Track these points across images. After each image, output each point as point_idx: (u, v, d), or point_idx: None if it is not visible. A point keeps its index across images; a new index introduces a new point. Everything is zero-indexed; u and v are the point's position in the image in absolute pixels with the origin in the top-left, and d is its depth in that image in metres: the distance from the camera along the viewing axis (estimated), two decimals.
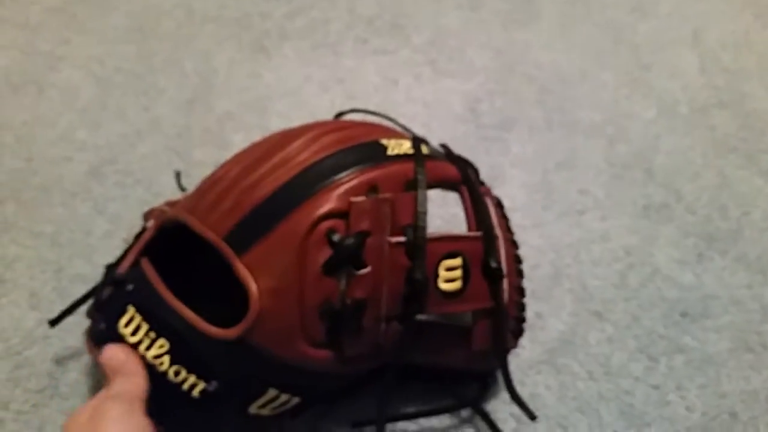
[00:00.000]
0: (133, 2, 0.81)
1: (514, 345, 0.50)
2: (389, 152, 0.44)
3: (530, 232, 0.62)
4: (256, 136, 0.49)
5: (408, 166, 0.44)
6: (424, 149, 0.47)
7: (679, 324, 0.57)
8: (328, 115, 0.62)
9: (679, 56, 0.79)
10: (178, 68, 0.74)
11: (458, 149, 0.66)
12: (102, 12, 0.80)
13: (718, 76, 0.77)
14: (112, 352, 0.42)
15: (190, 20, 0.79)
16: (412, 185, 0.43)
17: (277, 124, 0.68)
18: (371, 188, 0.42)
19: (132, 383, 0.41)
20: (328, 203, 0.41)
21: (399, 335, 0.43)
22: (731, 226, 0.64)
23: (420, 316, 0.43)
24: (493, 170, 0.67)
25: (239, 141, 0.66)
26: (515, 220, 0.62)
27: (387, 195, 0.42)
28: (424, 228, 0.42)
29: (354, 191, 0.42)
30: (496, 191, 0.64)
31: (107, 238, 0.60)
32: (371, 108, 0.62)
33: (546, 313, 0.57)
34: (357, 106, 0.66)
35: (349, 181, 0.42)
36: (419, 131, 0.62)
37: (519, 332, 0.49)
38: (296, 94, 0.72)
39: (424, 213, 0.42)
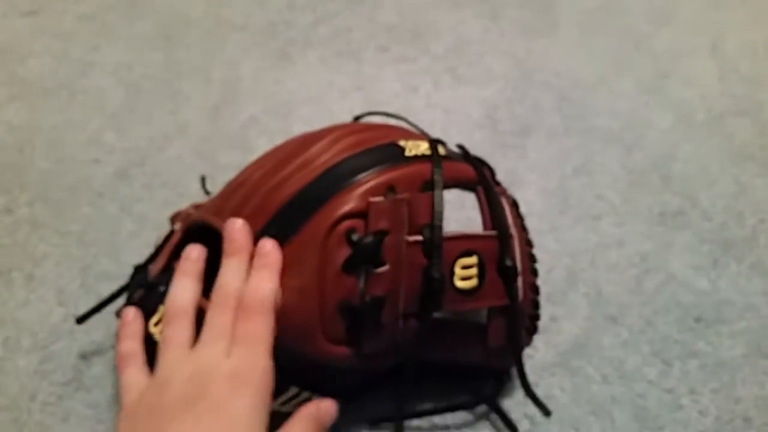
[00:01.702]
0: (162, 11, 0.83)
1: (529, 342, 0.51)
2: (407, 153, 0.46)
3: (546, 237, 0.63)
4: (280, 141, 0.51)
5: (425, 167, 0.45)
6: (441, 150, 0.48)
7: (693, 329, 0.58)
8: (347, 121, 0.64)
9: (698, 64, 0.80)
10: (205, 75, 0.76)
11: (476, 154, 0.67)
12: (131, 20, 0.82)
13: (736, 84, 0.78)
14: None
15: (217, 29, 0.81)
16: (429, 185, 0.45)
17: (300, 129, 0.68)
18: (389, 188, 0.43)
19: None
20: (348, 204, 0.42)
21: (416, 332, 0.44)
22: (747, 234, 0.64)
23: (437, 314, 0.44)
24: (510, 175, 0.68)
25: (263, 145, 0.66)
26: (532, 225, 0.63)
27: (404, 195, 0.43)
28: (440, 227, 0.43)
29: (373, 192, 0.43)
30: (514, 196, 0.65)
31: (133, 237, 0.62)
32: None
33: (561, 316, 0.58)
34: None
35: (367, 181, 0.43)
36: (438, 136, 0.63)
37: (533, 330, 0.50)
38: (318, 100, 0.74)
39: (441, 212, 0.43)
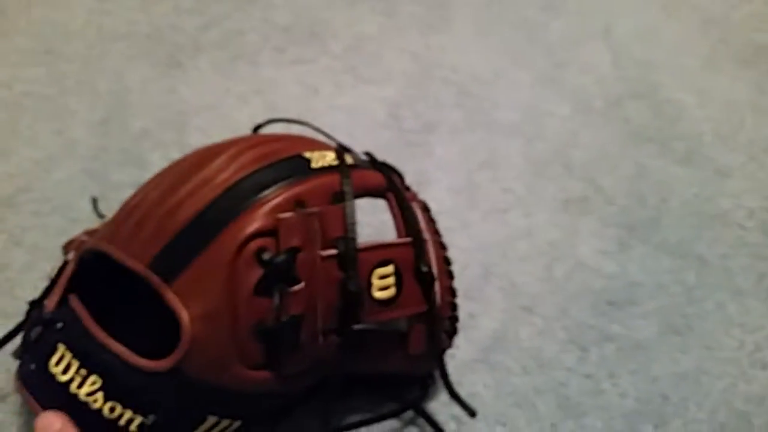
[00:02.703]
0: (39, 23, 0.78)
1: (450, 345, 0.50)
2: (313, 165, 0.44)
3: (458, 234, 0.63)
4: (175, 154, 0.48)
5: (334, 178, 0.44)
6: (349, 159, 0.47)
7: (606, 313, 0.59)
8: (248, 128, 0.61)
9: (592, 51, 0.82)
10: (90, 88, 0.72)
11: (383, 155, 0.66)
12: (5, 34, 0.77)
13: (630, 68, 0.80)
14: (47, 422, 0.40)
15: (99, 39, 0.77)
16: (339, 197, 0.43)
17: (197, 140, 0.66)
18: (298, 203, 0.42)
19: None
20: (255, 222, 0.40)
21: (337, 347, 0.43)
22: (650, 214, 0.66)
23: (357, 326, 0.43)
24: (418, 175, 0.67)
25: (157, 159, 0.64)
26: (443, 223, 0.62)
27: (315, 209, 0.41)
28: (354, 239, 0.42)
29: (281, 208, 0.41)
30: (423, 195, 0.64)
31: (27, 270, 0.57)
32: (293, 118, 0.61)
33: (478, 312, 0.58)
34: (277, 116, 0.66)
35: (274, 197, 0.41)
36: (343, 139, 0.61)
37: (453, 332, 0.50)
38: (215, 108, 0.71)
39: (354, 224, 0.42)
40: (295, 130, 0.58)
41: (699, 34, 0.85)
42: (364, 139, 0.69)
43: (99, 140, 0.67)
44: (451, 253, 0.51)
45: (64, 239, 0.50)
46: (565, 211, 0.66)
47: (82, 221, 0.58)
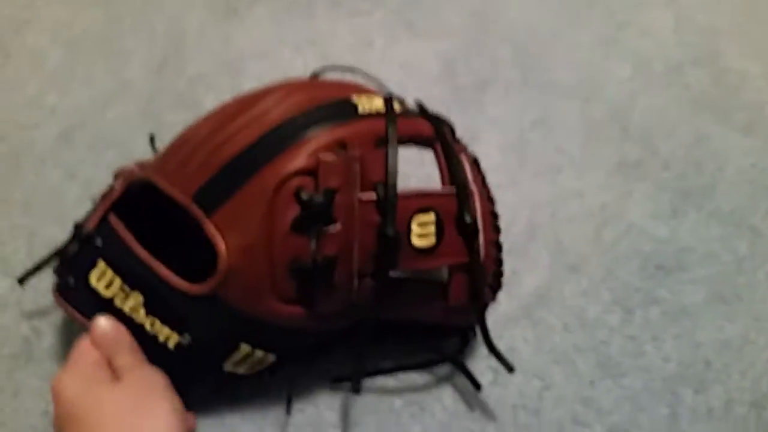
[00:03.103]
0: None
1: (492, 299, 0.50)
2: (360, 110, 0.44)
3: (506, 191, 0.62)
4: (229, 99, 0.48)
5: (379, 124, 0.44)
6: (397, 107, 0.46)
7: (654, 276, 0.58)
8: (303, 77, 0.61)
9: (654, 15, 0.79)
10: (148, 31, 0.72)
11: (434, 109, 0.66)
12: None
13: (692, 34, 0.77)
14: (105, 324, 0.42)
15: None
16: (383, 142, 0.43)
17: (251, 86, 0.65)
18: (341, 146, 0.42)
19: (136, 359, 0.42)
20: (297, 161, 0.41)
21: (372, 292, 0.43)
22: (706, 181, 0.64)
23: (393, 272, 0.43)
24: (469, 130, 0.66)
25: (211, 103, 0.62)
26: (491, 179, 0.61)
27: (357, 152, 0.41)
28: (394, 185, 0.42)
29: (323, 149, 0.41)
30: (472, 151, 0.64)
31: (80, 202, 0.59)
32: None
33: (522, 269, 0.57)
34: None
35: (318, 138, 0.41)
36: (395, 92, 0.61)
37: (497, 287, 0.50)
38: (269, 56, 0.71)
39: (395, 169, 0.42)
40: (349, 79, 0.58)
41: (766, 1, 0.81)
42: (417, 93, 0.68)
43: (154, 82, 0.68)
44: (498, 210, 0.50)
45: (115, 170, 0.52)
46: (619, 174, 0.64)
47: (137, 158, 0.59)
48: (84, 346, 0.42)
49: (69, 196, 0.60)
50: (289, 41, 0.72)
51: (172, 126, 0.63)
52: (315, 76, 0.59)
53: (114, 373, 0.41)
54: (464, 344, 0.52)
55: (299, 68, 0.69)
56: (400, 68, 0.72)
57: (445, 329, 0.52)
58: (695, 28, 0.78)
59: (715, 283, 0.58)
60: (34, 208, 0.59)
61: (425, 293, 0.46)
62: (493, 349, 0.48)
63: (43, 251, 0.56)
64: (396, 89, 0.67)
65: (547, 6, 0.78)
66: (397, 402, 0.51)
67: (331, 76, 0.60)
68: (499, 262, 0.49)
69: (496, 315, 0.55)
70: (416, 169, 0.60)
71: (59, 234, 0.57)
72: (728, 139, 0.68)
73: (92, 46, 0.71)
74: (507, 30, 0.76)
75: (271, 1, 0.77)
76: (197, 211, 0.41)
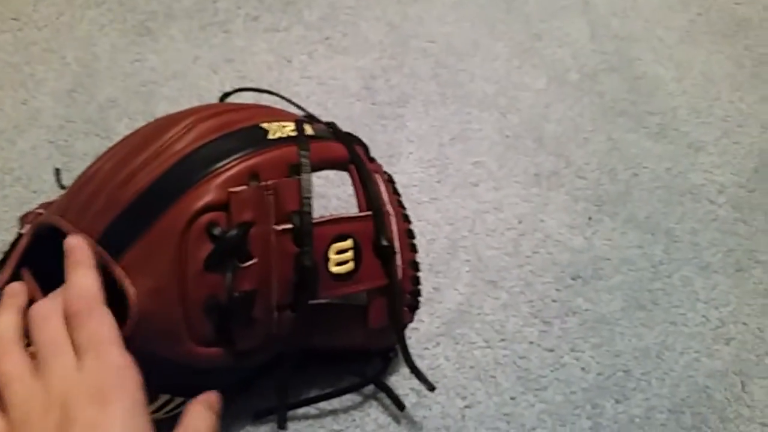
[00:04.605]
0: None
1: (411, 319, 0.50)
2: (270, 136, 0.43)
3: (427, 207, 0.63)
4: (142, 124, 0.47)
5: (291, 150, 0.43)
6: (309, 130, 0.46)
7: (571, 287, 0.59)
8: (217, 97, 0.61)
9: (570, 24, 0.81)
10: (58, 57, 0.70)
11: (355, 127, 0.66)
12: None
13: (607, 41, 0.79)
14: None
15: (70, 6, 0.75)
16: (296, 169, 0.43)
17: (165, 109, 0.66)
18: (252, 176, 0.41)
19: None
20: (206, 195, 0.40)
21: (293, 322, 0.43)
22: (620, 189, 0.66)
23: (312, 302, 0.42)
24: (390, 147, 0.67)
25: (124, 129, 0.64)
26: (412, 196, 0.63)
27: (269, 182, 0.41)
28: (309, 213, 0.41)
29: (234, 180, 0.40)
30: (393, 168, 0.65)
31: None
32: (265, 88, 0.61)
33: (443, 285, 0.58)
34: (248, 86, 0.65)
35: (228, 170, 0.41)
36: (314, 110, 0.61)
37: (415, 306, 0.50)
38: (184, 76, 0.70)
39: (309, 198, 0.42)
40: (265, 100, 0.58)
41: (679, 6, 0.84)
42: (337, 110, 0.69)
43: (65, 110, 0.66)
44: (419, 227, 0.51)
45: (20, 215, 0.50)
46: (536, 184, 0.66)
47: (44, 192, 0.58)
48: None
49: None
50: (204, 60, 0.71)
51: (83, 155, 0.62)
52: (224, 96, 0.58)
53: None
54: (386, 365, 0.52)
55: (215, 88, 0.68)
56: (320, 85, 0.71)
57: (367, 352, 0.52)
58: (610, 35, 0.80)
59: (632, 290, 0.60)
60: None
61: (345, 319, 0.46)
62: (414, 369, 0.48)
63: None
64: (315, 107, 0.67)
65: (464, 18, 0.79)
66: (322, 431, 0.51)
67: (246, 98, 0.59)
68: (417, 282, 0.49)
69: (418, 334, 0.55)
70: (336, 190, 0.61)
71: None
72: (642, 145, 0.70)
73: (0, 74, 0.69)
74: (425, 44, 0.77)
75: (186, 19, 0.75)
76: (103, 254, 0.40)
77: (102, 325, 0.36)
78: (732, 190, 0.67)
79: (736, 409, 0.54)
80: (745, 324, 0.59)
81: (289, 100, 0.58)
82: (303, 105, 0.58)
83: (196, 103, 0.56)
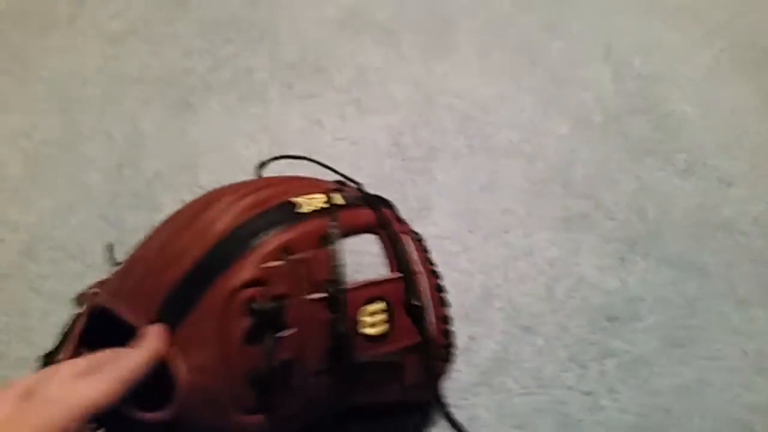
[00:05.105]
0: (55, 70, 0.82)
1: (446, 372, 0.52)
2: (301, 210, 0.46)
3: (459, 258, 0.64)
4: (187, 196, 0.50)
5: (321, 222, 0.46)
6: (338, 199, 0.48)
7: (606, 329, 0.60)
8: (255, 166, 0.64)
9: (592, 69, 0.83)
10: (105, 134, 0.75)
11: (386, 183, 0.69)
12: (24, 83, 0.81)
13: (630, 82, 0.81)
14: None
15: (113, 84, 0.81)
16: (327, 239, 0.45)
17: (207, 180, 0.69)
18: (286, 250, 0.43)
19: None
20: (243, 272, 0.42)
21: (331, 385, 0.44)
22: (651, 228, 0.67)
23: (349, 364, 0.44)
24: (420, 201, 0.69)
25: (170, 202, 0.67)
26: (444, 247, 0.64)
27: (301, 255, 0.43)
28: (341, 282, 0.43)
29: (268, 257, 0.43)
30: (425, 221, 0.67)
31: (45, 317, 0.61)
32: (299, 152, 0.64)
33: (479, 334, 0.59)
34: (284, 152, 0.68)
35: (263, 247, 0.43)
36: (347, 170, 0.64)
37: (449, 359, 0.51)
38: (224, 148, 0.74)
39: (341, 267, 0.44)
40: (300, 164, 0.61)
41: (702, 44, 0.85)
42: (368, 169, 0.72)
43: (113, 185, 0.70)
44: (453, 277, 0.52)
45: (82, 285, 0.53)
46: (566, 229, 0.67)
47: (98, 266, 0.61)
48: None
49: (34, 312, 0.61)
50: (242, 131, 0.75)
51: (133, 229, 0.66)
52: (261, 165, 0.61)
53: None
54: (424, 419, 0.53)
55: (254, 157, 0.72)
56: (351, 145, 0.74)
57: (405, 405, 0.53)
58: (633, 76, 0.81)
59: (668, 328, 0.60)
60: None
61: (382, 376, 0.48)
62: (452, 422, 0.49)
63: (12, 372, 0.57)
64: (348, 167, 0.70)
65: (489, 71, 0.82)
66: None
67: (282, 165, 0.62)
68: (449, 335, 0.51)
69: (456, 384, 0.56)
70: (372, 246, 0.63)
71: (26, 352, 0.58)
72: (671, 183, 0.71)
73: (52, 154, 0.74)
74: (451, 98, 0.79)
75: (225, 91, 0.80)
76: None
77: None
78: (764, 221, 0.67)
79: None
80: None
81: (322, 164, 0.60)
82: (336, 165, 0.61)
83: (236, 173, 0.59)
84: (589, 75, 0.82)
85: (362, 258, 0.47)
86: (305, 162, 0.61)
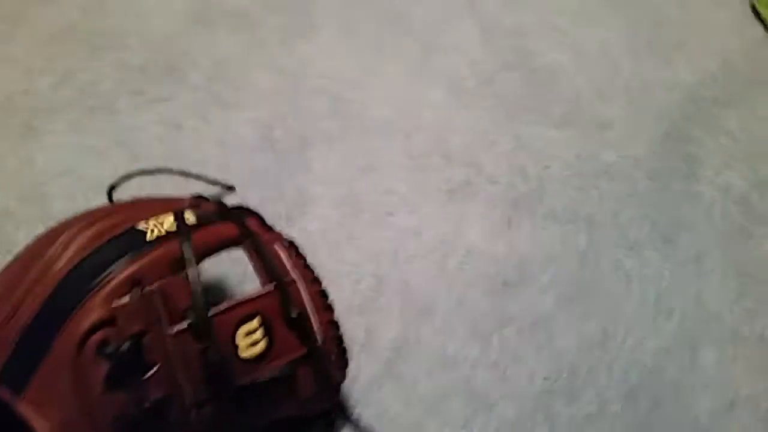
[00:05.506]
0: None
1: (343, 377, 0.49)
2: (149, 237, 0.42)
3: (345, 248, 0.62)
4: (41, 229, 0.45)
5: (173, 246, 0.42)
6: (191, 218, 0.45)
7: (502, 296, 0.59)
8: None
9: (460, 30, 0.80)
10: None
11: (259, 181, 0.65)
12: None
13: (501, 40, 0.79)
14: None
15: None
16: (181, 265, 0.41)
17: (61, 208, 0.64)
18: (135, 283, 0.40)
19: None
20: (91, 315, 0.39)
21: (218, 415, 0.41)
22: (532, 186, 0.66)
23: (230, 391, 0.41)
24: (299, 194, 0.66)
25: (23, 239, 0.60)
26: (330, 238, 0.61)
27: (154, 286, 0.40)
28: (201, 308, 0.40)
29: (116, 293, 0.39)
30: (305, 216, 0.63)
31: None
32: (159, 163, 0.59)
33: (376, 325, 0.57)
34: (142, 164, 0.63)
35: (108, 283, 0.39)
36: (215, 172, 0.60)
37: (344, 364, 0.49)
38: (74, 170, 0.67)
39: (199, 291, 0.40)
40: (165, 177, 0.56)
41: None
42: (238, 168, 0.67)
43: None
44: (341, 269, 0.50)
45: None
46: (450, 200, 0.65)
47: None
48: None
49: None
50: (92, 149, 0.69)
51: None
52: (111, 189, 0.56)
53: None
54: (330, 425, 0.51)
55: (107, 177, 0.65)
56: (216, 146, 0.70)
57: (307, 417, 0.50)
58: (502, 33, 0.80)
59: (563, 286, 0.60)
60: None
61: (273, 395, 0.45)
62: (356, 427, 0.47)
63: None
64: (216, 170, 0.65)
65: (353, 48, 0.79)
66: None
67: (142, 182, 0.57)
68: (340, 340, 0.48)
69: (359, 382, 0.54)
70: (243, 267, 0.58)
71: None
72: (548, 136, 0.70)
73: None
74: (318, 80, 0.76)
75: (70, 109, 0.73)
76: (5, 394, 0.38)
77: None
78: (647, 162, 0.68)
79: (690, 380, 0.54)
80: (683, 294, 0.59)
81: (184, 173, 0.56)
82: (202, 170, 0.56)
83: (91, 196, 0.53)
84: (456, 37, 0.80)
85: (247, 267, 0.44)
86: (169, 174, 0.57)
